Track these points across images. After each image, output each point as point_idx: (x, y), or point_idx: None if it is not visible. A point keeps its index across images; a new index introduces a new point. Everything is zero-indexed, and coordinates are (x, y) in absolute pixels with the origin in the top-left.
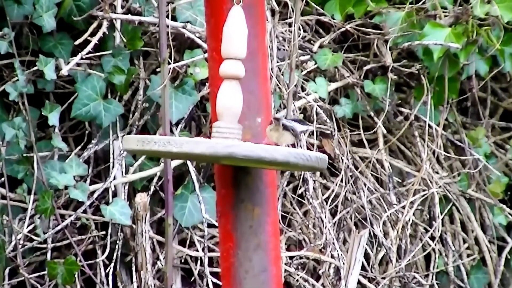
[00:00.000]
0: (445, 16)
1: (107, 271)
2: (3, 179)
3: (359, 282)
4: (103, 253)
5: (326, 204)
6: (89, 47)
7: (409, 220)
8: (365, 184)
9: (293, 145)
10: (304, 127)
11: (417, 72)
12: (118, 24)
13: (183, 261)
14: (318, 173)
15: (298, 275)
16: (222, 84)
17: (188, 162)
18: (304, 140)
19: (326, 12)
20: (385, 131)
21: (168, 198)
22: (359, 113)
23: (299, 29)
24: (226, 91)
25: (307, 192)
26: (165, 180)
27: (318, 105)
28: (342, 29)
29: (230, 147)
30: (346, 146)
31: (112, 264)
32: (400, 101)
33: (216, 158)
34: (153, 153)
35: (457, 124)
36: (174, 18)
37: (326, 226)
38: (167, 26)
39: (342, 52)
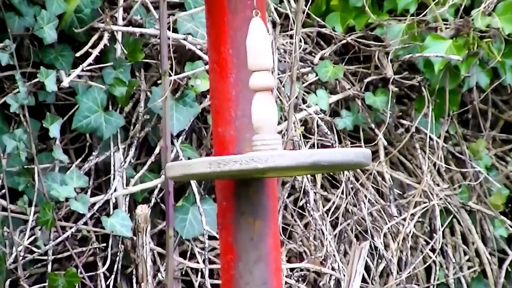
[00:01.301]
0: (446, 28)
1: (107, 283)
2: (4, 191)
3: None
4: (103, 265)
5: (327, 216)
6: (90, 59)
7: (409, 232)
8: (365, 196)
9: None
10: None
11: (418, 84)
12: (119, 36)
13: (183, 273)
14: (319, 185)
15: (298, 287)
16: (255, 97)
17: None
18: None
19: (327, 24)
20: (386, 143)
21: (169, 210)
22: (360, 125)
23: (300, 41)
24: (261, 104)
25: (308, 204)
26: (166, 192)
27: (319, 117)
28: (343, 41)
29: (313, 155)
30: None
31: (113, 276)
32: (401, 113)
33: (299, 169)
34: (229, 174)
35: (458, 136)
36: (175, 30)
37: (326, 238)
38: (168, 38)
39: (343, 64)
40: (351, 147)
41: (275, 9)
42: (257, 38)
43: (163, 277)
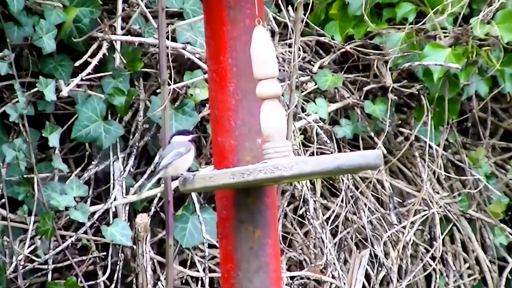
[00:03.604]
0: (445, 36)
1: None
2: (3, 200)
3: None
4: (104, 274)
5: (327, 224)
6: (89, 69)
7: (409, 240)
8: (365, 205)
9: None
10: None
11: (417, 92)
12: (118, 46)
13: (184, 281)
14: (318, 194)
15: None
16: (263, 105)
17: None
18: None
19: (326, 33)
20: (385, 152)
21: (169, 219)
22: (360, 134)
23: (299, 50)
24: (270, 112)
25: (307, 213)
26: (165, 201)
27: (318, 126)
28: (342, 50)
29: (336, 159)
30: None
31: (113, 285)
32: (400, 122)
33: (323, 173)
34: (255, 182)
35: (458, 144)
36: (174, 39)
37: (326, 247)
38: (167, 47)
39: (342, 73)
40: None
41: (274, 18)
42: (262, 46)
43: (163, 286)
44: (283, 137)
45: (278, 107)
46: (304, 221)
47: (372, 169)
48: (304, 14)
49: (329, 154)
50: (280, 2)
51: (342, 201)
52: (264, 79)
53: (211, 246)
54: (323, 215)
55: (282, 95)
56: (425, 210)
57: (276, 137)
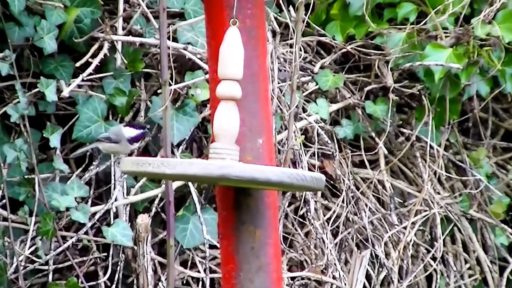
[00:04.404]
0: (446, 37)
1: None
2: (4, 201)
3: None
4: (104, 274)
5: (328, 224)
6: (90, 69)
7: (410, 240)
8: (366, 205)
9: (294, 165)
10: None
11: (418, 93)
12: (119, 46)
13: (184, 282)
14: (319, 194)
15: None
16: (218, 105)
17: (190, 183)
18: (305, 161)
19: (327, 33)
20: (386, 152)
21: (170, 219)
22: (361, 134)
23: (300, 50)
24: (222, 113)
25: (308, 213)
26: (166, 202)
27: (319, 126)
28: (343, 50)
29: (224, 168)
30: (347, 167)
31: (114, 286)
32: (401, 122)
33: (211, 179)
34: (149, 174)
35: (459, 144)
36: (175, 40)
37: (327, 247)
38: (168, 48)
39: (343, 73)
40: (352, 156)
41: (275, 18)
42: (229, 47)
43: (164, 287)
44: (230, 140)
45: (231, 109)
46: (305, 222)
47: (278, 189)
48: (305, 14)
49: (329, 155)
50: (281, 2)
51: (343, 201)
52: (225, 80)
53: (212, 246)
54: (324, 216)
55: (283, 96)
56: (426, 211)
57: (222, 139)
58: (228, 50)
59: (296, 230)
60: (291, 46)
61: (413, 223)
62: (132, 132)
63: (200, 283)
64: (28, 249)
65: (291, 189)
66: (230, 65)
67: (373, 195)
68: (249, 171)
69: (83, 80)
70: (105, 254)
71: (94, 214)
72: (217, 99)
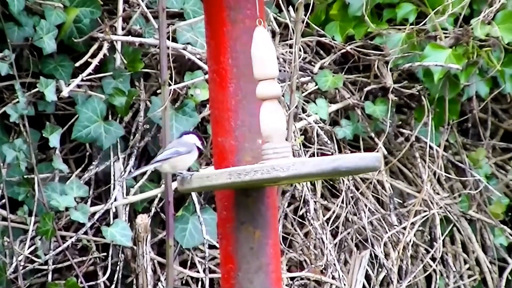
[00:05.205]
0: (446, 37)
1: None
2: (4, 201)
3: None
4: (104, 274)
5: (327, 225)
6: (89, 69)
7: (410, 241)
8: (366, 205)
9: None
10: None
11: (417, 93)
12: (118, 46)
13: (184, 282)
14: (319, 195)
15: None
16: (263, 106)
17: None
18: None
19: (327, 33)
20: (385, 152)
21: (169, 219)
22: (360, 134)
23: (300, 50)
24: (270, 112)
25: (308, 213)
26: (166, 202)
27: (318, 126)
28: (343, 51)
29: (334, 161)
30: None
31: (113, 286)
32: (400, 122)
33: (321, 175)
34: (249, 182)
35: (458, 145)
36: (174, 40)
37: (327, 247)
38: (168, 48)
39: (343, 73)
40: None
41: (275, 18)
42: (262, 47)
43: (163, 287)
44: (283, 138)
45: (277, 108)
46: (304, 222)
47: (371, 171)
48: (305, 15)
49: (329, 155)
50: (280, 2)
51: (342, 201)
52: (263, 80)
53: (211, 246)
54: (324, 216)
55: (283, 96)
56: (425, 211)
57: (275, 138)
58: (262, 50)
59: (296, 230)
60: (290, 46)
61: (413, 224)
62: (197, 139)
63: (200, 283)
64: (28, 249)
65: (360, 173)
66: (268, 64)
67: (373, 196)
68: (354, 161)
69: (82, 80)
70: (105, 254)
71: (94, 214)
72: (216, 99)
